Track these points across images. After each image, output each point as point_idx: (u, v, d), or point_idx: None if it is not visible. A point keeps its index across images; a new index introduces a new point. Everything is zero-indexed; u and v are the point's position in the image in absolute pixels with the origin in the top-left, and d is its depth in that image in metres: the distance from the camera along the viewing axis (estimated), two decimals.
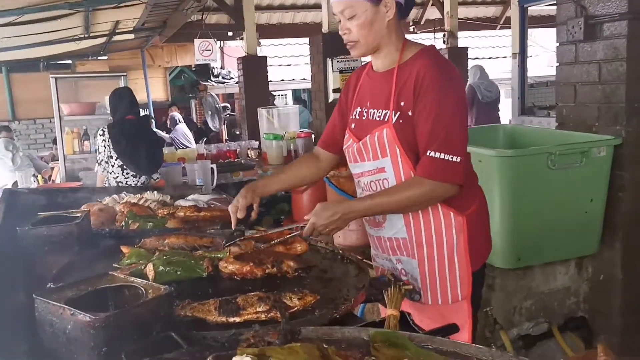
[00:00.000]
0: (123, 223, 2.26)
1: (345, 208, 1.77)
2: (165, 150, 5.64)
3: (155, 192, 2.74)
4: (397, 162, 1.80)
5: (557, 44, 2.99)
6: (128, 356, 1.08)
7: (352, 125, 1.95)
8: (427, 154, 1.72)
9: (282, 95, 13.60)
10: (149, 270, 1.67)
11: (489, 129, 3.64)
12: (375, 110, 1.85)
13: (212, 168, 4.94)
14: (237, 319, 1.41)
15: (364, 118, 1.91)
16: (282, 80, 12.36)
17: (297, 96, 13.95)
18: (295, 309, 1.45)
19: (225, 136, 10.83)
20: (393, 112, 1.78)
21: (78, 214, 2.02)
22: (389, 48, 1.83)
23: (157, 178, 4.39)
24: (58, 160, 5.96)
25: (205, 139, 9.79)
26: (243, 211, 1.93)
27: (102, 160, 4.29)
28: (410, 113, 1.76)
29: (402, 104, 1.77)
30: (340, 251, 1.97)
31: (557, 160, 2.60)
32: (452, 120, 1.72)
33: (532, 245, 2.73)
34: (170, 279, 1.66)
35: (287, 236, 1.87)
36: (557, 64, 3.03)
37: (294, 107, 6.88)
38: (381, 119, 1.82)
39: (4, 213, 2.29)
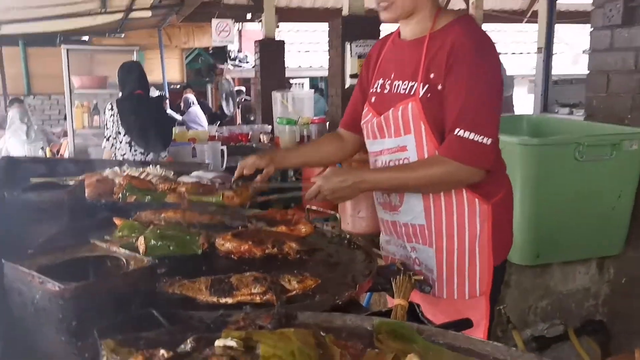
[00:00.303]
0: (120, 195, 2.14)
1: (357, 176, 1.63)
2: (176, 129, 5.55)
3: (157, 166, 2.62)
4: (422, 140, 1.64)
5: (592, 29, 2.81)
6: (101, 332, 0.96)
7: (372, 99, 1.80)
8: (455, 132, 1.55)
9: (298, 84, 13.44)
10: (140, 243, 1.55)
11: (512, 119, 3.46)
12: (401, 83, 1.69)
13: (222, 150, 4.85)
14: (230, 300, 1.29)
15: (386, 91, 1.74)
16: (300, 67, 12.20)
17: (314, 85, 13.79)
18: (294, 292, 1.33)
19: (239, 121, 10.72)
20: (421, 84, 1.62)
21: (72, 183, 1.90)
22: (423, 14, 1.66)
23: (165, 156, 4.28)
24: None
25: (219, 122, 9.68)
26: (251, 169, 1.80)
27: (110, 136, 4.19)
28: (439, 87, 1.59)
29: (432, 76, 1.61)
30: (348, 235, 1.84)
31: (585, 151, 2.43)
32: (485, 98, 1.56)
33: (552, 241, 2.58)
34: (162, 254, 1.54)
35: (287, 194, 1.77)
36: (590, 51, 2.85)
37: (309, 92, 6.76)
38: (407, 92, 1.66)
39: None
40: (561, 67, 11.64)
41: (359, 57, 5.62)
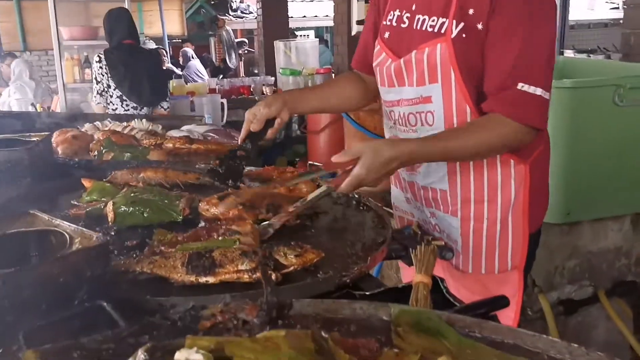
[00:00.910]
0: (96, 152, 1.89)
1: (407, 153, 1.27)
2: (174, 82, 5.25)
3: (144, 120, 2.36)
4: (450, 90, 1.34)
5: None
6: (28, 338, 0.72)
7: (386, 34, 1.46)
8: (519, 87, 1.26)
9: (303, 35, 12.99)
10: (109, 210, 1.31)
11: None
12: (426, 18, 1.36)
13: (222, 103, 4.57)
14: (211, 279, 1.05)
15: (404, 25, 1.42)
16: (304, 16, 11.74)
17: (319, 36, 13.34)
18: (291, 269, 1.08)
19: (242, 75, 10.37)
20: (454, 22, 1.30)
21: (36, 139, 1.65)
22: None
23: (168, 109, 3.99)
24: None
25: (221, 76, 9.34)
26: (260, 123, 1.44)
27: (101, 90, 3.89)
28: (480, 26, 1.29)
29: (471, 12, 1.29)
30: (356, 196, 1.58)
31: (625, 95, 2.13)
32: (547, 42, 1.29)
33: (585, 197, 2.31)
34: (135, 223, 1.30)
35: (316, 194, 1.35)
36: None
37: (313, 41, 6.40)
38: (435, 29, 1.34)
39: None
40: (577, 12, 11.11)
41: (366, 1, 5.26)
